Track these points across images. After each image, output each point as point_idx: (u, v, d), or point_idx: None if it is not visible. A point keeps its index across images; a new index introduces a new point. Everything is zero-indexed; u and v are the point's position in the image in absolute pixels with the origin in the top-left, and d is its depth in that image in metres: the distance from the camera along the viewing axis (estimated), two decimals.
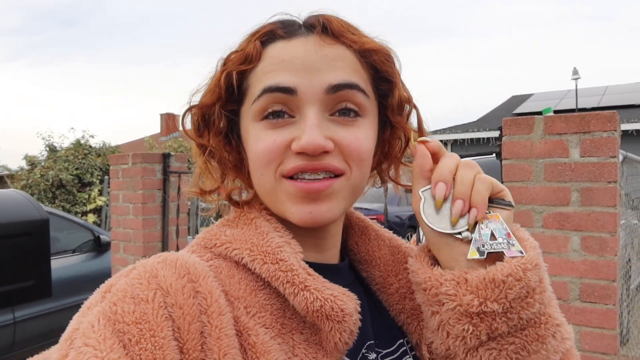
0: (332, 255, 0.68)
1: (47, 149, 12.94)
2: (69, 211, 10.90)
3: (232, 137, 0.66)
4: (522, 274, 0.53)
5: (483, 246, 0.55)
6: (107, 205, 9.17)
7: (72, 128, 13.55)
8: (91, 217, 11.09)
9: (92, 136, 13.02)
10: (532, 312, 0.54)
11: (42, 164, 12.28)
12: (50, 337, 3.85)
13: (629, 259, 3.71)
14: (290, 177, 0.58)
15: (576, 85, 15.05)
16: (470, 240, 0.56)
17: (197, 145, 0.66)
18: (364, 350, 0.63)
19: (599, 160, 2.00)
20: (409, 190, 0.74)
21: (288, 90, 0.58)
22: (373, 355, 0.63)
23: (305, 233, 0.63)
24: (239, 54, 0.61)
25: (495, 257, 0.56)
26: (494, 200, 0.58)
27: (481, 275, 0.53)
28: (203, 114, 0.65)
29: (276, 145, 0.58)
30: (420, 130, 0.69)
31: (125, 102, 73.59)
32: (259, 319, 0.56)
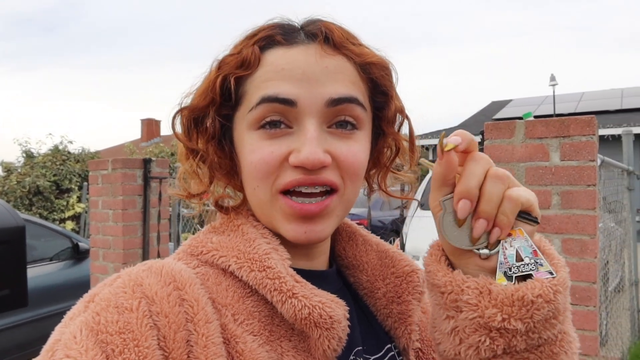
0: (321, 262, 0.67)
1: (24, 155, 12.68)
2: (46, 218, 10.68)
3: (225, 142, 0.63)
4: (552, 297, 0.49)
5: (510, 269, 0.51)
6: (86, 212, 9.01)
7: (50, 134, 13.31)
8: (69, 224, 10.88)
9: (70, 142, 12.81)
10: (552, 332, 0.51)
11: (19, 170, 12.02)
12: (27, 348, 3.74)
13: (607, 262, 3.78)
14: (286, 192, 0.57)
15: (554, 92, 15.37)
16: (488, 257, 0.53)
17: (187, 149, 0.64)
18: (352, 357, 0.62)
19: (579, 164, 2.04)
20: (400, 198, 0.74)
21: (288, 102, 0.56)
22: None
23: (293, 244, 0.62)
24: (235, 57, 0.59)
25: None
26: (518, 214, 0.52)
27: (509, 291, 0.50)
28: (193, 117, 0.63)
29: (273, 157, 0.57)
30: (412, 139, 0.69)
31: (105, 109, 72.65)
32: (246, 326, 0.55)
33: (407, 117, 0.68)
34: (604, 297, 3.45)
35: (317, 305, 0.55)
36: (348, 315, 0.58)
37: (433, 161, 0.56)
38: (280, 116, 0.57)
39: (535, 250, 0.52)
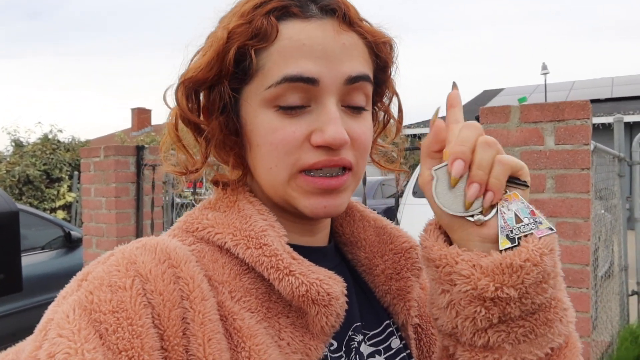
0: (322, 238, 0.67)
1: (13, 144, 12.51)
2: (37, 208, 10.58)
3: (231, 117, 0.60)
4: (539, 259, 0.50)
5: (512, 232, 0.52)
6: (77, 202, 8.93)
7: (40, 122, 13.04)
8: (60, 214, 10.79)
9: (60, 131, 12.62)
10: (545, 297, 0.52)
11: (8, 159, 11.87)
12: (19, 336, 3.67)
13: (597, 247, 3.83)
14: (305, 171, 0.57)
15: (545, 80, 15.44)
16: (483, 223, 0.53)
17: (187, 123, 0.61)
18: (350, 333, 0.62)
19: (573, 148, 2.05)
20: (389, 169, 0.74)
21: (311, 81, 0.55)
22: (360, 337, 0.63)
23: (298, 219, 0.62)
24: (246, 27, 0.56)
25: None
26: (509, 179, 0.54)
27: (497, 260, 0.51)
28: (196, 90, 0.60)
29: (295, 138, 0.56)
30: (400, 116, 0.70)
31: (95, 97, 71.82)
32: (244, 303, 0.55)
33: (396, 93, 0.69)
34: (594, 281, 3.49)
35: (314, 283, 0.55)
36: (346, 292, 0.58)
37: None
38: (301, 97, 0.56)
39: (532, 210, 0.53)
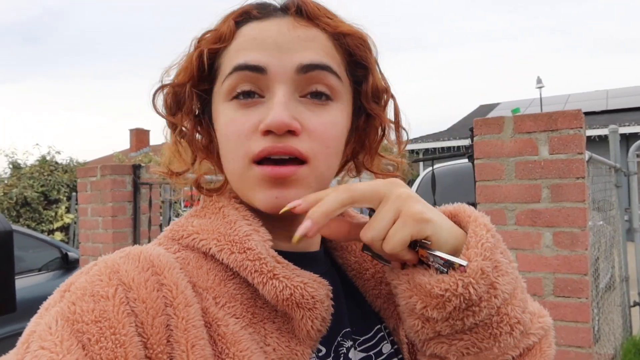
0: (311, 243, 0.66)
1: (11, 166, 12.51)
2: (34, 229, 10.52)
3: (204, 118, 0.64)
4: (461, 290, 0.50)
5: (442, 265, 0.53)
6: (75, 223, 8.90)
7: (37, 144, 13.14)
8: (58, 235, 10.74)
9: (58, 152, 12.64)
10: (478, 319, 0.52)
11: (6, 181, 11.86)
12: None
13: (597, 258, 3.81)
14: (259, 163, 0.57)
15: (540, 93, 15.55)
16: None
17: (168, 124, 0.66)
18: (339, 338, 0.61)
19: (567, 157, 2.06)
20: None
21: (258, 69, 0.56)
22: (349, 343, 0.62)
23: (285, 225, 0.61)
24: (213, 33, 0.61)
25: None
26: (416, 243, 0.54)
27: (424, 283, 0.52)
28: (175, 93, 0.63)
29: (245, 128, 0.57)
30: (397, 120, 0.68)
31: (93, 119, 72.14)
32: (228, 309, 0.55)
33: (392, 96, 0.67)
34: (595, 292, 3.47)
35: (298, 286, 0.54)
36: (331, 295, 0.57)
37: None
38: (252, 85, 0.57)
39: (442, 256, 0.53)
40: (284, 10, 0.60)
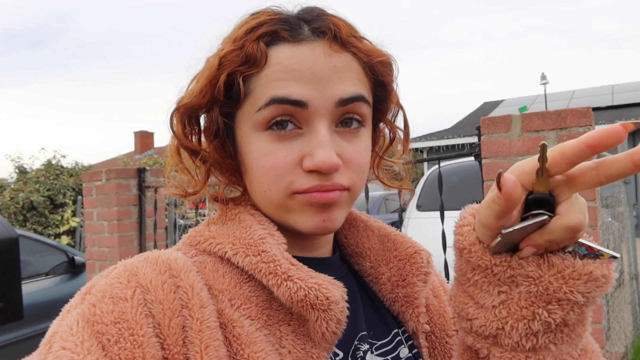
0: (324, 251, 0.67)
1: (17, 170, 12.57)
2: (41, 234, 10.58)
3: (227, 141, 0.62)
4: (612, 280, 0.48)
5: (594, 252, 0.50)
6: (81, 227, 8.93)
7: (43, 148, 13.15)
8: (65, 239, 10.79)
9: (63, 156, 12.68)
10: (589, 310, 0.50)
11: (12, 186, 11.92)
12: None
13: None
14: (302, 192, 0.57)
15: (545, 90, 15.48)
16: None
17: (185, 149, 0.63)
18: (356, 342, 0.61)
19: None
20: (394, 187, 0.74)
21: (299, 104, 0.56)
22: (366, 347, 0.62)
23: (298, 235, 0.61)
24: (237, 53, 0.57)
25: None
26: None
27: (577, 266, 0.47)
28: (190, 116, 0.62)
29: (287, 162, 0.56)
30: (406, 131, 0.70)
31: (98, 122, 72.49)
32: (244, 310, 0.55)
33: (401, 107, 0.69)
34: None
35: (312, 287, 0.54)
36: (346, 297, 0.56)
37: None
38: (290, 117, 0.57)
39: (592, 246, 0.49)
40: (316, 33, 0.58)
